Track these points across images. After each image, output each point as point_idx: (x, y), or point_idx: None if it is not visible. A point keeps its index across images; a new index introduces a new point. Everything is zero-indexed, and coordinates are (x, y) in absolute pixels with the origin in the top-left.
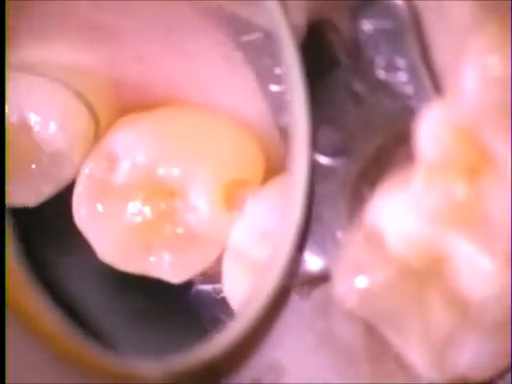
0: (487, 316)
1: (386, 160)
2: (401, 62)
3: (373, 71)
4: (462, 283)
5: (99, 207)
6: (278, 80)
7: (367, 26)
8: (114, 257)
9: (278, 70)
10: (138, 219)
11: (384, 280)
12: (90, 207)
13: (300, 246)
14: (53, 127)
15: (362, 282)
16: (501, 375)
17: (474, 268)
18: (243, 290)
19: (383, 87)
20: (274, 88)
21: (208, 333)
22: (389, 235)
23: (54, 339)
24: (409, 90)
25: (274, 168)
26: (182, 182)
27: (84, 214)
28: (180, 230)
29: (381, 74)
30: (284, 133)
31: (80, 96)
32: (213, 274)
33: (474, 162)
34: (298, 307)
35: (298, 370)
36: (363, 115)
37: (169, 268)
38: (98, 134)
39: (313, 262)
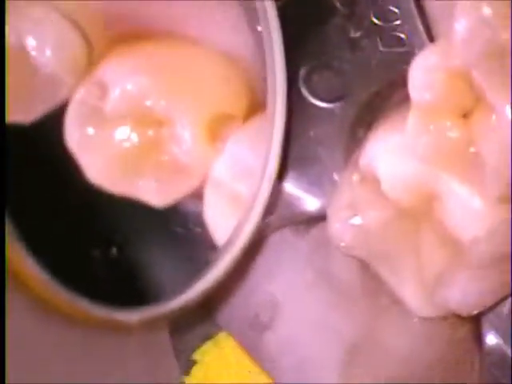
0: (477, 255)
1: (382, 104)
2: (395, 8)
3: (368, 17)
4: (453, 223)
5: (90, 131)
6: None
7: None
8: (103, 179)
9: None
10: (127, 144)
11: (378, 219)
12: (81, 131)
13: (280, 176)
14: (48, 51)
15: (356, 220)
16: (490, 308)
17: (465, 208)
18: (223, 219)
19: (378, 33)
20: (260, 28)
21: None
22: (383, 176)
23: (34, 289)
24: (403, 34)
25: (259, 104)
26: (169, 114)
27: (75, 137)
28: (165, 158)
29: (376, 20)
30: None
31: (75, 23)
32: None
33: (467, 105)
34: (295, 245)
35: (295, 305)
36: (359, 60)
37: (154, 192)
38: (91, 60)
39: (310, 202)
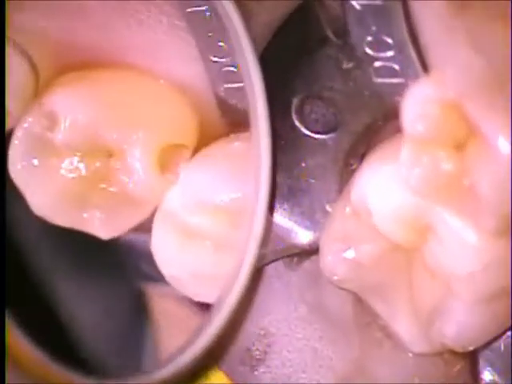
0: (472, 289)
1: (375, 135)
2: (388, 39)
3: (361, 48)
4: (448, 257)
5: (35, 162)
6: (219, 51)
7: (355, 2)
8: (47, 211)
9: (220, 43)
10: (73, 175)
11: (371, 252)
12: (26, 161)
13: (271, 209)
14: None
15: (349, 253)
16: (486, 344)
17: (460, 242)
18: (171, 252)
19: (371, 63)
20: (215, 59)
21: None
22: (374, 209)
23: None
24: (396, 65)
25: (210, 134)
26: (120, 145)
27: (19, 167)
28: (113, 189)
29: (369, 50)
30: (220, 101)
31: (23, 52)
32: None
33: (461, 137)
34: (288, 278)
35: (288, 338)
36: (352, 91)
37: (100, 224)
38: (37, 90)
39: (302, 234)
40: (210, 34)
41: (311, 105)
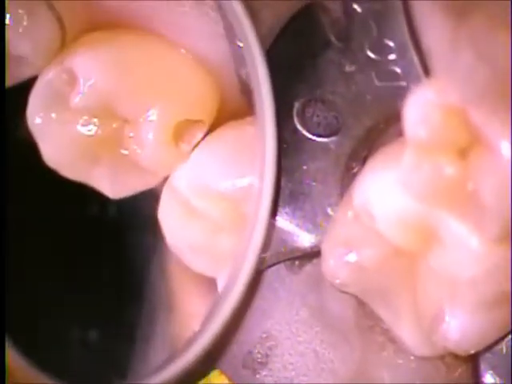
0: (475, 294)
1: (377, 139)
2: (390, 42)
3: (363, 52)
4: (450, 262)
5: (53, 115)
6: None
7: (357, 6)
8: (59, 163)
9: None
10: (88, 132)
11: (373, 256)
12: (44, 113)
13: (273, 212)
14: (21, 30)
15: (351, 257)
16: (487, 348)
17: (462, 247)
18: (176, 226)
19: (373, 67)
20: (240, 44)
21: None
22: (377, 213)
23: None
24: (398, 69)
25: (228, 111)
26: (135, 114)
27: (37, 118)
28: (125, 152)
29: (371, 54)
30: (242, 82)
31: (51, 6)
32: None
33: (463, 142)
34: (289, 281)
35: (290, 342)
36: (354, 94)
37: (108, 182)
38: (64, 45)
39: (304, 237)
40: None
41: (313, 108)
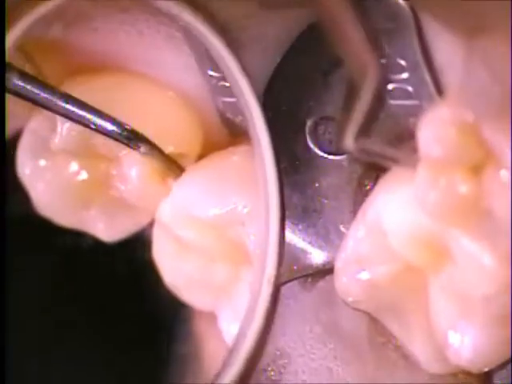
0: (488, 311)
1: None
2: (402, 61)
3: None
4: (463, 279)
5: (41, 162)
6: (215, 66)
7: (369, 25)
8: (51, 210)
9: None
10: (78, 178)
11: (385, 273)
12: (33, 162)
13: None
14: None
15: (364, 275)
16: (501, 365)
17: (475, 264)
18: (170, 260)
19: (385, 85)
20: (211, 73)
21: None
22: (389, 230)
23: None
24: (410, 87)
25: (213, 144)
26: (116, 152)
27: (27, 167)
28: (114, 194)
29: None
30: (220, 112)
31: (29, 58)
32: None
33: (477, 159)
34: (302, 298)
35: (303, 359)
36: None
37: (102, 226)
38: None
39: (316, 254)
40: (205, 48)
41: (325, 126)
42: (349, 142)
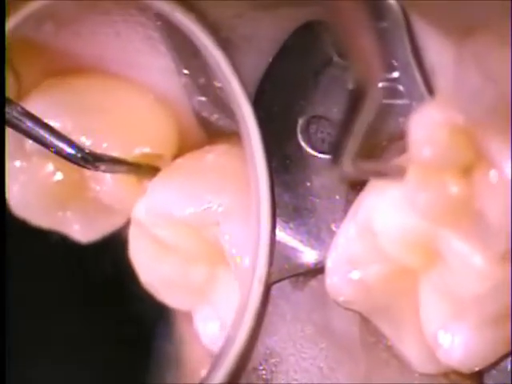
0: (478, 312)
1: (380, 156)
2: (393, 60)
3: None
4: (454, 280)
5: (17, 163)
6: (191, 65)
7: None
8: (27, 211)
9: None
10: (53, 179)
11: (377, 273)
12: (8, 162)
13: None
14: None
15: (354, 275)
16: (492, 365)
17: (466, 265)
18: (146, 259)
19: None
20: (185, 71)
21: None
22: (380, 230)
23: None
24: (401, 87)
25: (189, 144)
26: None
27: None
28: (90, 195)
29: None
30: (196, 111)
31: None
32: None
33: (468, 161)
34: (294, 297)
35: (294, 358)
36: None
37: (77, 227)
38: (20, 94)
39: (308, 254)
40: (182, 48)
41: (317, 125)
42: (347, 165)
